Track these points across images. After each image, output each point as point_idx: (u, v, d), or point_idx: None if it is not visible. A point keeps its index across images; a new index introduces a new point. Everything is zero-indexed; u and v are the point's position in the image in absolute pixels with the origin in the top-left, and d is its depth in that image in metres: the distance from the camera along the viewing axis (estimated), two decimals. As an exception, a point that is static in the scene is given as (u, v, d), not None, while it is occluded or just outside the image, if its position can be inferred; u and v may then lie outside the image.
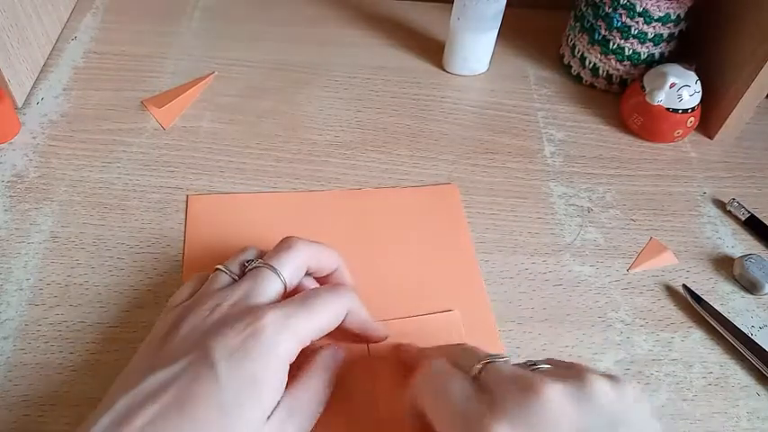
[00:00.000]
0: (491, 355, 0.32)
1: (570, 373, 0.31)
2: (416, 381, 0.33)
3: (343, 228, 0.49)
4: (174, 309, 0.37)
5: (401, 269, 0.46)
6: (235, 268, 0.37)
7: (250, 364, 0.31)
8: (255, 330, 0.32)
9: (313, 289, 0.37)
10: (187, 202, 0.49)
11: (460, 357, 0.34)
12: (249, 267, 0.37)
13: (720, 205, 0.54)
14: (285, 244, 0.38)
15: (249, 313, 0.33)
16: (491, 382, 0.31)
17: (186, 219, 0.48)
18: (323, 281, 0.41)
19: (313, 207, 0.50)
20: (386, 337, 0.40)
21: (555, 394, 0.29)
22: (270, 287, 0.36)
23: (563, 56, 0.64)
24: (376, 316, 0.40)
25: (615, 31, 0.57)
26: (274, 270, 0.36)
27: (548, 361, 0.32)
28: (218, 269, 0.38)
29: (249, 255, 0.39)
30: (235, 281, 0.37)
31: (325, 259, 0.39)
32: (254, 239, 0.46)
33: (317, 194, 0.51)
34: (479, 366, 0.32)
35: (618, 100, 0.60)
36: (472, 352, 0.34)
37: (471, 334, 0.43)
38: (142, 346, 0.36)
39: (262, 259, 0.37)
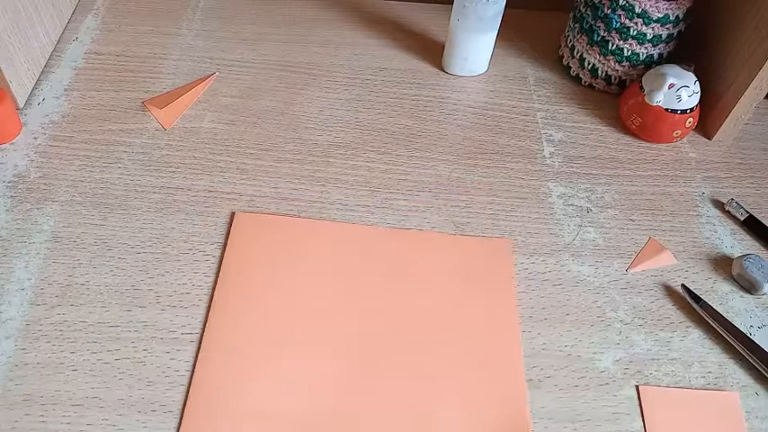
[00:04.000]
0: None
1: None
2: None
3: (384, 267, 0.47)
4: None
5: (438, 319, 0.45)
6: None
7: None
8: None
9: None
10: (232, 219, 0.49)
11: None
12: None
13: (719, 205, 0.54)
14: None
15: None
16: None
17: (228, 235, 0.48)
18: None
19: (358, 241, 0.48)
20: None
21: None
22: None
23: (562, 57, 0.64)
24: (408, 355, 0.42)
25: (614, 32, 0.58)
26: None
27: None
28: None
29: None
30: None
31: None
32: (291, 265, 0.46)
33: (364, 228, 0.49)
34: None
35: (617, 101, 0.60)
36: None
37: (500, 394, 0.42)
38: None
39: None
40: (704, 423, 0.41)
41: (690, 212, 0.53)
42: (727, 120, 0.57)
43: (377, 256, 0.48)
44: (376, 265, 0.47)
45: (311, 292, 0.45)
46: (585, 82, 0.62)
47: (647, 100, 0.55)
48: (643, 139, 0.58)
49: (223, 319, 0.43)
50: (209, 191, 0.51)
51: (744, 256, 0.49)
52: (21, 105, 0.54)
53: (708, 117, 0.58)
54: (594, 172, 0.55)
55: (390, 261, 0.48)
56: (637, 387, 0.43)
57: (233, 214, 0.49)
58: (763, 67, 0.52)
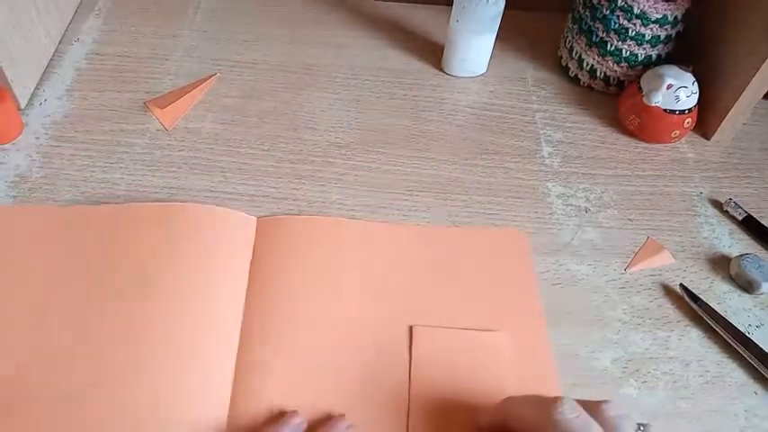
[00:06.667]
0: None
1: None
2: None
3: (407, 263, 0.47)
4: None
5: (458, 318, 0.45)
6: None
7: None
8: None
9: None
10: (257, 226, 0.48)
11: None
12: None
13: (717, 205, 0.54)
14: None
15: None
16: None
17: (255, 242, 0.47)
18: None
19: (383, 238, 0.48)
20: None
21: None
22: None
23: (561, 57, 0.64)
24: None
25: (613, 32, 0.58)
26: None
27: None
28: None
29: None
30: None
31: None
32: (315, 264, 0.46)
33: (391, 227, 0.49)
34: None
35: (615, 101, 0.60)
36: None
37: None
38: None
39: None
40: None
41: (688, 212, 0.54)
42: (725, 120, 0.57)
43: (399, 252, 0.48)
44: (398, 261, 0.47)
45: (338, 295, 0.45)
46: (584, 83, 0.62)
47: (645, 100, 0.56)
48: (641, 140, 0.58)
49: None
50: (210, 191, 0.51)
51: (742, 255, 0.49)
52: (23, 106, 0.55)
53: (706, 117, 0.58)
54: (593, 172, 0.56)
55: (409, 256, 0.47)
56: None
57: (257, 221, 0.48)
58: (761, 68, 0.52)
